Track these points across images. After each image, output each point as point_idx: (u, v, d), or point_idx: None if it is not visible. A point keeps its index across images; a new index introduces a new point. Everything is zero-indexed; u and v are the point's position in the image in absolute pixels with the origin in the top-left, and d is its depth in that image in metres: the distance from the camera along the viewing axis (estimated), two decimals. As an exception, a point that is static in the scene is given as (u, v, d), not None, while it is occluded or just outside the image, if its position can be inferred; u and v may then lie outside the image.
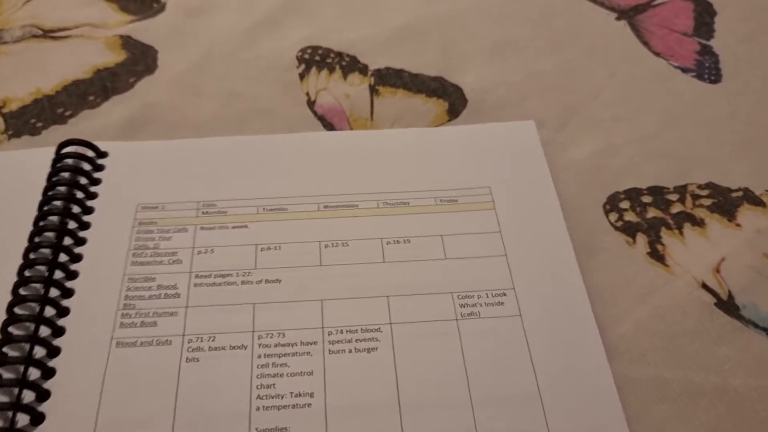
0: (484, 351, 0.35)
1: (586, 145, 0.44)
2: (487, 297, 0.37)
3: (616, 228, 0.40)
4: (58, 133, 0.44)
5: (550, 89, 0.47)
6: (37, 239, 0.37)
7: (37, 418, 0.32)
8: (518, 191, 0.41)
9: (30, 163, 0.41)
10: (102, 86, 0.47)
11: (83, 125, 0.45)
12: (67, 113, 0.46)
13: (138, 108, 0.46)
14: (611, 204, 0.41)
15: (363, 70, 0.49)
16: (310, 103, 0.47)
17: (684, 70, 0.49)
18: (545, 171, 0.42)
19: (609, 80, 0.48)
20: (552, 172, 0.42)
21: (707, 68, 0.49)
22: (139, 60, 0.49)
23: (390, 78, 0.48)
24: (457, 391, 0.33)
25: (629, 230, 0.40)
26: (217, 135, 0.44)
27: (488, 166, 0.42)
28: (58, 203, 0.39)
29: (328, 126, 0.45)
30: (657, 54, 0.50)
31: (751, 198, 0.41)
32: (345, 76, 0.48)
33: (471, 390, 0.33)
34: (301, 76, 0.48)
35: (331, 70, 0.49)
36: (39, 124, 0.45)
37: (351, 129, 0.45)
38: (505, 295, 0.37)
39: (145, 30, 0.51)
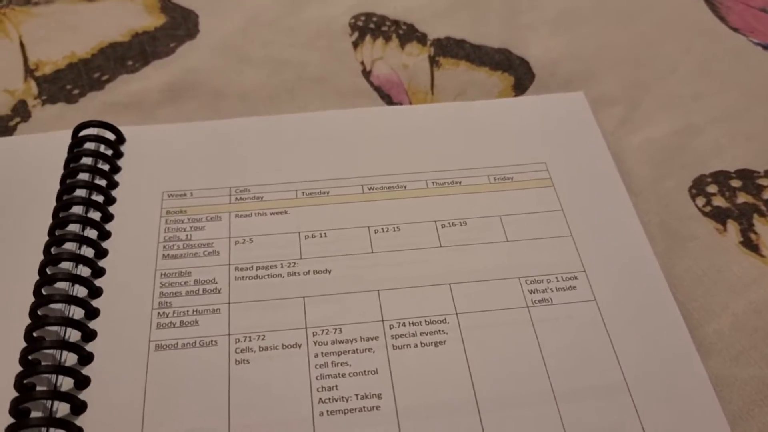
0: (561, 339, 0.32)
1: (664, 123, 0.41)
2: (558, 281, 0.34)
3: (705, 214, 0.37)
4: (96, 100, 0.41)
5: (621, 63, 0.44)
6: (58, 232, 0.33)
7: (74, 434, 0.28)
8: (576, 167, 0.38)
9: (46, 147, 0.37)
10: (141, 50, 0.44)
11: (121, 90, 0.42)
12: (104, 78, 0.42)
13: (179, 73, 0.42)
14: (697, 188, 0.38)
15: (421, 39, 0.45)
16: (366, 73, 0.43)
17: (765, 47, 0.45)
18: (602, 145, 0.39)
19: (685, 55, 0.45)
20: (627, 152, 0.39)
21: (789, 46, 0.46)
22: (180, 24, 0.46)
23: (451, 48, 0.45)
24: (538, 385, 0.30)
25: (719, 216, 0.37)
26: (263, 105, 0.41)
27: (541, 140, 0.39)
28: (79, 193, 0.35)
29: (386, 98, 0.42)
30: (735, 29, 0.47)
31: None
32: (402, 45, 0.45)
33: (552, 382, 0.30)
34: (355, 45, 0.45)
35: (387, 39, 0.45)
36: (75, 91, 0.42)
37: (410, 102, 0.42)
38: (576, 278, 0.34)
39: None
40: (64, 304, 0.31)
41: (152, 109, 0.41)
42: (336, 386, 0.30)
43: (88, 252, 0.33)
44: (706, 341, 0.32)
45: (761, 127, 0.41)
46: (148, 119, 0.40)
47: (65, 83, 0.42)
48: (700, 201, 0.37)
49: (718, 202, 0.37)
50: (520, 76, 0.43)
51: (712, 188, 0.38)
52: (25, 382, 0.29)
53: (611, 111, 0.41)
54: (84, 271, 0.32)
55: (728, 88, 0.43)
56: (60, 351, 0.30)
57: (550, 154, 0.38)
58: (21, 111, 0.41)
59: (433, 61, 0.44)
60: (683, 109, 0.42)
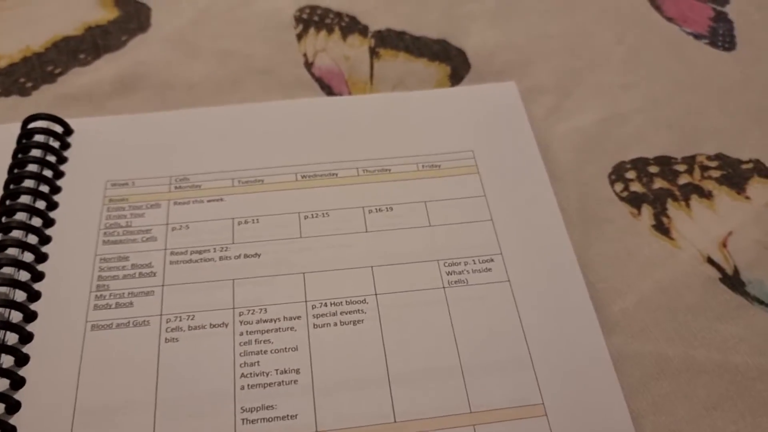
0: (473, 318, 0.34)
1: (592, 112, 0.43)
2: (474, 263, 0.36)
3: (622, 198, 0.39)
4: (48, 92, 0.43)
5: (556, 53, 0.46)
6: (4, 220, 0.35)
7: (13, 407, 0.30)
8: (502, 155, 0.40)
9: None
10: (93, 43, 0.46)
11: (73, 83, 0.44)
12: (57, 71, 0.44)
13: (130, 66, 0.44)
14: (617, 174, 0.40)
15: (363, 31, 0.47)
16: (308, 65, 0.45)
17: (697, 37, 0.47)
18: (529, 133, 0.40)
19: (618, 46, 0.46)
20: (553, 139, 0.41)
21: (721, 35, 0.47)
22: (132, 17, 0.47)
23: (391, 40, 0.46)
24: (447, 360, 0.32)
25: (635, 201, 0.39)
26: (209, 96, 0.43)
27: (470, 129, 0.41)
28: (25, 183, 0.37)
29: (326, 88, 0.44)
30: (669, 19, 0.48)
31: (762, 170, 0.40)
32: (344, 37, 0.46)
33: (461, 358, 0.32)
34: (299, 37, 0.46)
35: (330, 31, 0.47)
36: (29, 84, 0.44)
37: (350, 92, 0.44)
38: (492, 260, 0.36)
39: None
40: (8, 288, 0.34)
41: (102, 101, 0.43)
42: (258, 362, 0.32)
43: (32, 239, 0.35)
44: (612, 319, 0.34)
45: (683, 115, 0.42)
46: (99, 111, 0.42)
47: (19, 76, 0.44)
48: (618, 186, 0.39)
49: (635, 187, 0.39)
50: (457, 66, 0.45)
51: (630, 174, 0.40)
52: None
53: (542, 100, 0.43)
54: (28, 257, 0.35)
55: (656, 78, 0.44)
56: (3, 331, 0.32)
57: (477, 143, 0.40)
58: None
59: (373, 53, 0.45)
60: (611, 98, 0.43)
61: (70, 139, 0.40)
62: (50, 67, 0.44)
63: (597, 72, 0.45)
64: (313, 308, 0.34)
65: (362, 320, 0.34)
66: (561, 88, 0.44)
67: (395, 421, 0.31)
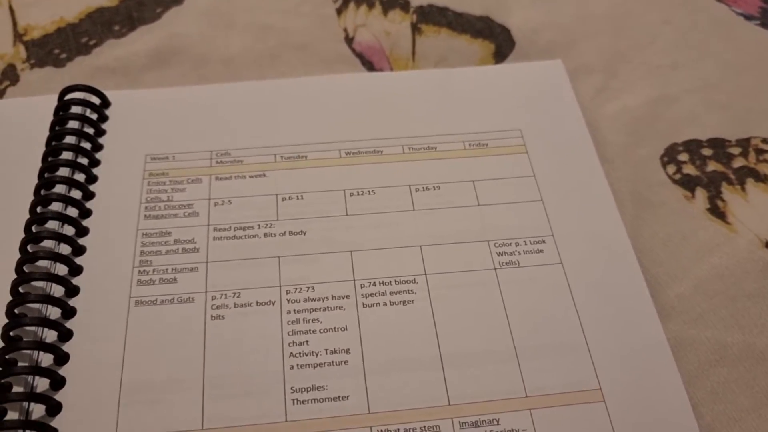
0: (525, 300, 0.33)
1: (641, 93, 0.41)
2: (525, 244, 0.35)
3: (674, 181, 0.38)
4: (83, 64, 0.42)
5: (601, 33, 0.44)
6: (43, 193, 0.34)
7: (58, 383, 0.30)
8: (550, 134, 0.39)
9: (33, 110, 0.38)
10: (128, 15, 0.45)
11: (108, 55, 0.43)
12: (92, 42, 0.43)
13: (165, 38, 0.43)
14: (669, 156, 0.39)
15: (404, 6, 0.46)
16: (348, 40, 0.44)
17: (747, 18, 0.46)
18: (577, 113, 0.39)
19: (665, 26, 0.45)
20: (602, 120, 0.40)
21: (773, 16, 0.46)
22: None
23: (433, 16, 0.45)
24: (500, 343, 0.32)
25: (688, 184, 0.38)
26: (247, 70, 0.42)
27: (517, 108, 0.40)
28: (64, 155, 0.36)
29: (368, 64, 0.43)
30: None
31: (819, 154, 0.39)
32: (385, 12, 0.45)
33: (515, 341, 0.32)
34: (339, 11, 0.45)
35: (371, 6, 0.45)
36: (63, 55, 0.43)
37: (391, 68, 0.43)
38: (544, 242, 0.35)
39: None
40: (49, 261, 0.33)
41: (138, 74, 0.42)
42: (307, 341, 0.31)
43: (72, 212, 0.34)
44: (668, 304, 0.33)
45: (736, 96, 0.41)
46: (134, 84, 0.41)
47: (53, 47, 0.43)
48: (671, 169, 0.38)
49: (689, 170, 0.38)
50: (501, 43, 0.44)
51: (683, 156, 0.39)
52: (11, 334, 0.30)
53: (589, 80, 0.42)
54: (68, 230, 0.34)
55: (705, 59, 0.43)
56: (45, 305, 0.31)
57: (525, 122, 0.39)
58: (10, 75, 0.42)
59: (415, 28, 0.44)
60: (660, 78, 0.42)
61: (107, 112, 0.39)
62: (84, 38, 0.43)
63: (644, 52, 0.43)
64: (361, 287, 0.33)
65: (412, 300, 0.33)
66: (608, 68, 0.42)
67: (449, 404, 0.30)
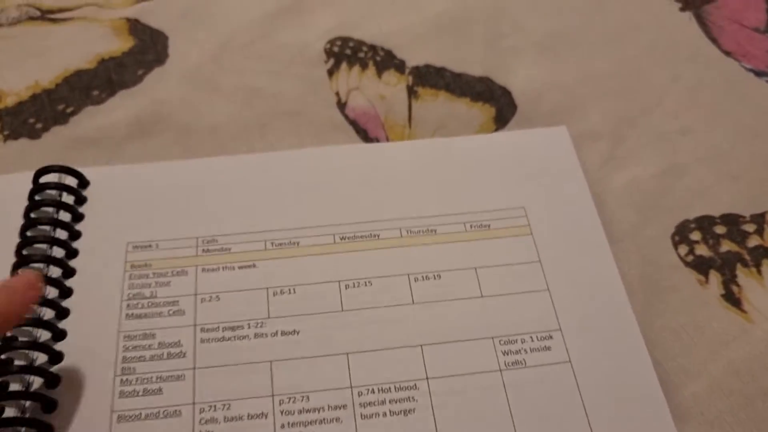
0: (533, 406, 0.31)
1: (649, 162, 0.39)
2: (532, 341, 0.33)
3: (687, 264, 0.36)
4: (60, 135, 0.40)
5: (607, 94, 0.42)
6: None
7: None
8: (555, 211, 0.37)
9: (5, 191, 0.36)
10: (107, 78, 0.42)
11: (87, 124, 0.40)
12: (69, 110, 0.41)
13: (147, 105, 0.41)
14: (681, 234, 0.37)
15: (400, 66, 0.43)
16: (341, 105, 0.41)
17: (758, 74, 0.43)
18: (584, 187, 0.37)
19: (673, 84, 0.43)
20: (609, 194, 0.38)
21: (785, 73, 0.44)
22: (149, 48, 0.44)
23: (430, 77, 0.43)
24: (507, 457, 0.30)
25: (701, 267, 0.36)
26: (234, 140, 0.39)
27: (520, 181, 0.38)
28: (38, 247, 0.34)
29: (362, 132, 0.40)
30: (727, 53, 0.44)
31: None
32: (380, 73, 0.43)
33: (523, 455, 0.30)
34: (330, 73, 0.43)
35: (364, 66, 0.43)
36: (38, 125, 0.40)
37: (387, 136, 0.40)
38: (551, 338, 0.33)
39: (154, 12, 0.46)
40: (24, 373, 0.30)
41: (118, 146, 0.39)
42: (303, 460, 0.29)
43: (48, 314, 0.32)
44: (683, 405, 0.32)
45: (748, 165, 0.39)
46: (114, 156, 0.39)
47: (28, 116, 0.40)
48: (683, 249, 0.36)
49: (701, 250, 0.36)
50: (502, 107, 0.42)
51: (695, 235, 0.37)
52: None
53: (595, 146, 0.40)
54: (44, 334, 0.32)
55: (716, 122, 0.41)
56: (21, 428, 0.29)
57: (529, 198, 0.37)
58: (-19, 149, 0.39)
59: (411, 92, 0.42)
60: (669, 145, 0.40)
61: (86, 192, 0.36)
62: (62, 105, 0.41)
63: (652, 115, 0.41)
64: (359, 395, 0.31)
65: (413, 409, 0.31)
66: (614, 134, 0.40)
67: None
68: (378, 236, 0.35)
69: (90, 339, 0.32)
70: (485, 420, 0.31)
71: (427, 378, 0.31)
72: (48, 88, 0.41)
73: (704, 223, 0.37)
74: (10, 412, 0.29)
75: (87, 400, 0.30)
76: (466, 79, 0.43)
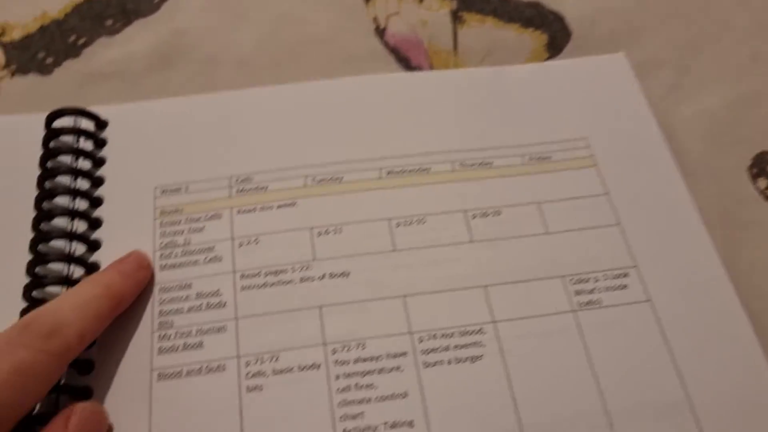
0: (612, 350, 0.28)
1: (719, 91, 0.36)
2: (606, 279, 0.30)
3: (767, 198, 0.33)
4: (72, 69, 0.36)
5: (669, 18, 0.38)
6: (40, 248, 0.29)
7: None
8: (620, 142, 0.33)
9: (16, 133, 0.32)
10: (121, 7, 0.38)
11: (101, 57, 0.37)
12: (81, 41, 0.37)
13: (166, 35, 0.37)
14: (758, 167, 0.34)
15: (442, -11, 0.39)
16: (379, 32, 0.38)
17: None
18: (648, 117, 0.34)
19: (740, 7, 0.39)
20: (677, 124, 0.34)
21: None
22: None
23: (476, 2, 0.39)
24: (589, 406, 0.27)
25: None
26: (263, 71, 0.36)
27: (581, 112, 0.34)
28: (60, 200, 0.30)
29: (403, 61, 0.37)
30: None
31: None
32: (420, -3, 0.39)
33: (606, 402, 0.27)
34: (366, -1, 0.39)
35: (403, -10, 0.39)
36: (49, 59, 0.37)
37: (431, 64, 0.37)
38: (627, 275, 0.30)
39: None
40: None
41: (137, 80, 0.36)
42: (362, 413, 0.27)
43: (77, 272, 0.29)
44: (773, 342, 0.29)
45: (827, 90, 0.36)
46: (133, 92, 0.35)
47: (37, 50, 0.37)
48: (762, 183, 0.33)
49: (782, 182, 0.33)
50: (555, 33, 0.38)
51: (774, 167, 0.33)
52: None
53: (658, 76, 0.36)
54: (70, 288, 0.29)
55: (789, 46, 0.37)
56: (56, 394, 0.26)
57: (590, 128, 0.34)
58: (-13, 84, 0.36)
59: (455, 17, 0.38)
60: (739, 72, 0.37)
61: (104, 134, 0.33)
62: (72, 37, 0.37)
63: (720, 41, 0.38)
64: (420, 342, 0.28)
65: (481, 356, 0.28)
66: (678, 62, 0.37)
67: (534, 485, 0.26)
68: (428, 170, 0.32)
69: (121, 291, 0.29)
70: (562, 365, 0.28)
71: (494, 321, 0.29)
72: (57, 18, 0.38)
73: (784, 154, 0.34)
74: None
75: (124, 359, 0.27)
76: (515, 4, 0.39)
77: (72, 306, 0.25)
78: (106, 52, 0.37)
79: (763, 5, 0.39)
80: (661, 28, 0.38)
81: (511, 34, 0.38)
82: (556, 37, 0.38)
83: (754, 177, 0.33)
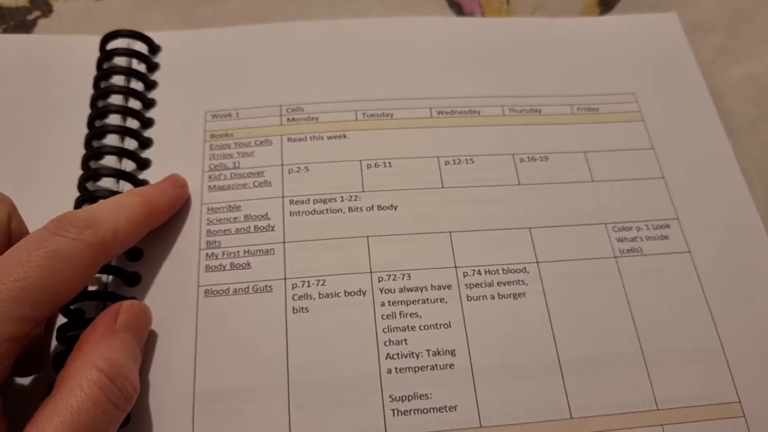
0: (651, 295, 0.28)
1: None
2: (648, 229, 0.30)
3: None
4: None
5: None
6: (92, 164, 0.29)
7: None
8: (668, 99, 0.34)
9: (71, 53, 0.33)
10: None
11: None
12: None
13: None
14: None
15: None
16: (433, -25, 0.38)
17: None
18: (697, 77, 0.34)
19: None
20: (725, 87, 0.35)
21: None
22: None
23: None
24: (626, 346, 0.27)
25: None
26: (316, 7, 0.36)
27: (629, 67, 0.34)
28: (112, 119, 0.31)
29: (456, 6, 0.37)
30: None
31: None
32: (475, -57, 0.39)
33: (642, 344, 0.27)
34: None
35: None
36: None
37: (482, 12, 0.37)
38: (668, 227, 0.30)
39: None
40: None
41: (189, 8, 0.36)
42: (405, 340, 0.27)
43: (126, 186, 0.29)
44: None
45: None
46: (185, 20, 0.35)
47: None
48: (804, 146, 0.33)
49: (828, 145, 0.33)
50: (607, -11, 0.38)
51: (820, 132, 0.34)
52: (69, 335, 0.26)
53: (708, 38, 0.36)
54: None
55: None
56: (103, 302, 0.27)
57: (639, 84, 0.34)
58: (41, 3, 0.36)
59: (510, -34, 0.38)
60: (789, 38, 0.37)
61: (157, 59, 0.33)
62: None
63: (771, 8, 0.38)
64: (464, 276, 0.28)
65: (524, 293, 0.28)
66: (729, 26, 0.37)
67: (571, 417, 0.26)
68: (478, 112, 0.32)
69: (171, 209, 0.29)
70: (601, 307, 0.28)
71: (537, 261, 0.29)
72: (110, -58, 0.37)
73: (830, 119, 0.34)
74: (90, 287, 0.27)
75: (171, 275, 0.28)
76: (570, -42, 0.39)
77: (106, 207, 0.26)
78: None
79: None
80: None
81: (565, -14, 0.38)
82: (609, -7, 0.38)
83: (797, 141, 0.33)
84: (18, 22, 0.35)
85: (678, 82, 0.34)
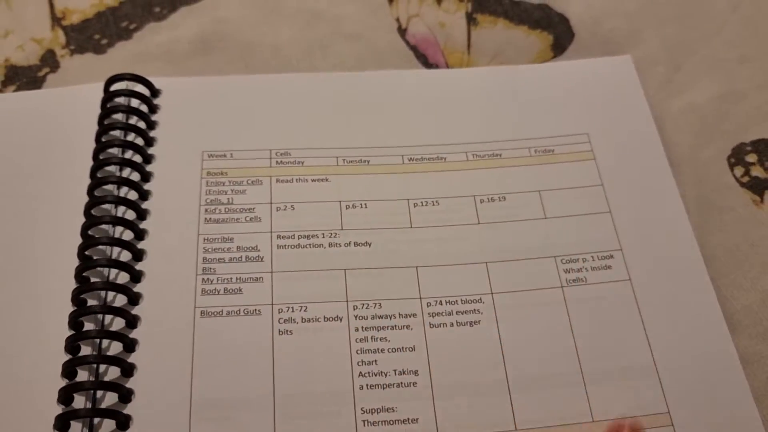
0: (593, 320, 0.32)
1: (707, 88, 0.40)
2: (593, 260, 0.34)
3: (742, 184, 0.37)
4: (125, 50, 0.41)
5: (666, 22, 0.43)
6: (97, 193, 0.33)
7: (125, 396, 0.29)
8: (618, 138, 0.38)
9: (77, 101, 0.37)
10: None
11: (150, 40, 0.41)
12: (132, 26, 0.41)
13: (209, 23, 0.41)
14: (736, 157, 0.38)
15: (459, -6, 0.44)
16: (401, 31, 0.42)
17: None
18: (646, 115, 0.38)
19: (732, 15, 0.43)
20: (667, 118, 0.39)
21: None
22: None
23: (489, 4, 0.43)
24: (567, 366, 0.31)
25: (756, 187, 0.37)
26: (296, 61, 0.40)
27: (584, 109, 0.39)
28: (114, 151, 0.35)
29: (421, 57, 0.41)
30: None
31: None
32: (439, 0, 0.43)
33: (582, 364, 0.31)
34: (390, 0, 0.43)
35: (423, -6, 0.43)
36: (104, 41, 0.41)
37: (446, 62, 0.41)
38: (612, 257, 0.34)
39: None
40: (106, 268, 0.32)
41: (182, 61, 0.40)
42: (375, 361, 0.31)
43: (129, 215, 0.33)
44: (735, 317, 0.33)
45: (806, 93, 0.40)
46: (178, 71, 0.39)
47: (93, 33, 0.41)
48: (738, 171, 0.37)
49: (757, 172, 0.37)
50: (559, 34, 0.42)
51: (751, 157, 0.38)
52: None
53: (653, 71, 0.40)
54: (127, 234, 0.33)
55: (775, 51, 0.42)
56: (107, 316, 0.31)
57: (592, 125, 0.38)
58: (50, 61, 0.40)
59: (470, 19, 0.42)
60: (727, 72, 0.41)
61: (157, 101, 0.37)
62: (125, 22, 0.41)
63: (710, 43, 0.42)
64: (428, 306, 0.33)
65: (479, 321, 0.32)
66: (672, 60, 0.41)
67: (516, 429, 0.30)
68: (444, 159, 0.37)
69: (170, 239, 0.33)
70: (547, 332, 0.32)
71: (491, 293, 0.33)
72: (112, 5, 0.42)
73: (761, 146, 0.38)
74: (92, 299, 0.31)
75: (170, 296, 0.32)
76: (525, 7, 0.43)
77: None
78: (154, 36, 0.41)
79: (753, 13, 0.43)
80: (657, 29, 0.42)
81: (520, 35, 0.42)
82: (561, 38, 0.42)
83: (732, 166, 0.38)
84: (30, 79, 0.39)
85: (628, 121, 0.38)
